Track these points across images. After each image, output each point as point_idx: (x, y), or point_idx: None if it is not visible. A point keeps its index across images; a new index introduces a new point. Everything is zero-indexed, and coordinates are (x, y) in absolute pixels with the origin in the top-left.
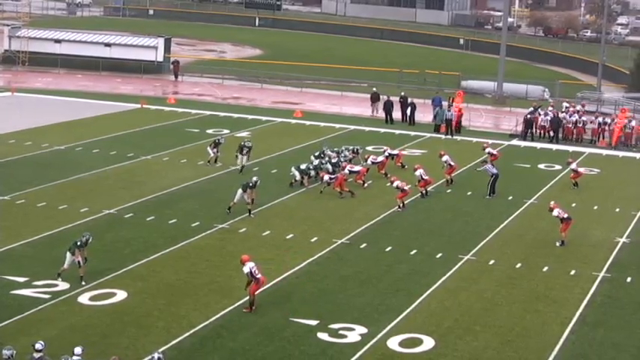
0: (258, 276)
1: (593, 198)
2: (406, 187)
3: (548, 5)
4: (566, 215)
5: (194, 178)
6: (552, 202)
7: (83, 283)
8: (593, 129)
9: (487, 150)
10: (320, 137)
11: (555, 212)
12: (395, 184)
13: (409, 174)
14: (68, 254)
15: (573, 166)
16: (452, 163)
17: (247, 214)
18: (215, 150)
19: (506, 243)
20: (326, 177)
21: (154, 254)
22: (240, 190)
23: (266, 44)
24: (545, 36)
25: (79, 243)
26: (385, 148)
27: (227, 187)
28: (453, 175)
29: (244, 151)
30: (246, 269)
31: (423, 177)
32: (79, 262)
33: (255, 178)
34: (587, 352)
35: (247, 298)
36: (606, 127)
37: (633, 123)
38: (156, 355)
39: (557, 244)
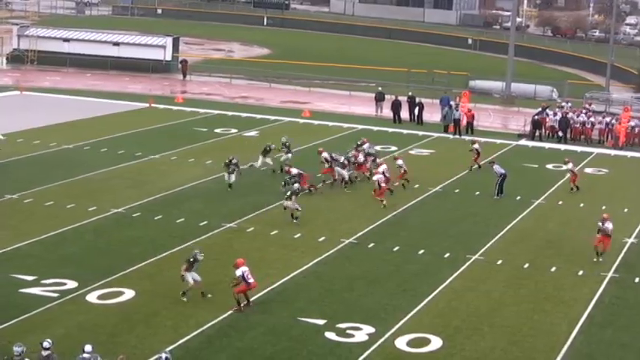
0: (250, 280)
1: (601, 198)
2: (383, 184)
3: (557, 5)
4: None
5: (202, 178)
6: (606, 215)
7: (209, 295)
8: (600, 129)
9: (475, 146)
10: (328, 137)
11: (609, 225)
12: (375, 178)
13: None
14: (186, 273)
15: (570, 166)
16: (405, 169)
17: (294, 220)
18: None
19: (514, 243)
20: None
21: (161, 253)
22: (287, 201)
23: (274, 43)
24: (553, 36)
25: (192, 259)
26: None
27: (234, 186)
28: (404, 179)
29: (231, 169)
30: (238, 272)
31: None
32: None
33: (296, 186)
34: (595, 353)
35: (250, 297)
36: (612, 128)
37: (632, 123)
38: (163, 355)
39: (595, 259)
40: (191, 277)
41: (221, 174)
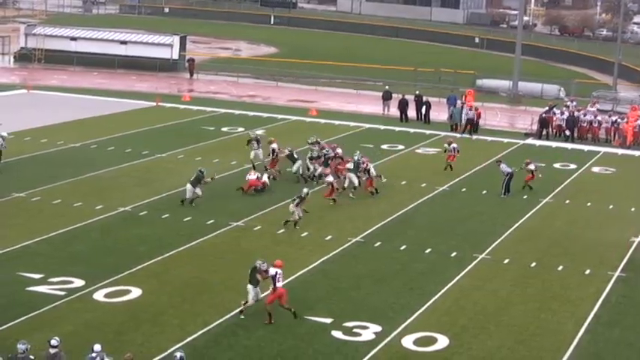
0: (278, 284)
1: (608, 197)
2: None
3: (564, 4)
4: None
5: (208, 176)
6: None
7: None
8: (606, 128)
9: (452, 146)
10: (335, 136)
11: None
12: (327, 179)
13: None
14: (250, 287)
15: (532, 166)
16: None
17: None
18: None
19: (521, 242)
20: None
21: (168, 252)
22: (292, 205)
23: (281, 42)
24: (560, 35)
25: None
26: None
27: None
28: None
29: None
30: (272, 271)
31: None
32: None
33: (305, 191)
34: (602, 352)
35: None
36: (618, 127)
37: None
38: (178, 355)
39: None
40: (254, 292)
41: (227, 172)
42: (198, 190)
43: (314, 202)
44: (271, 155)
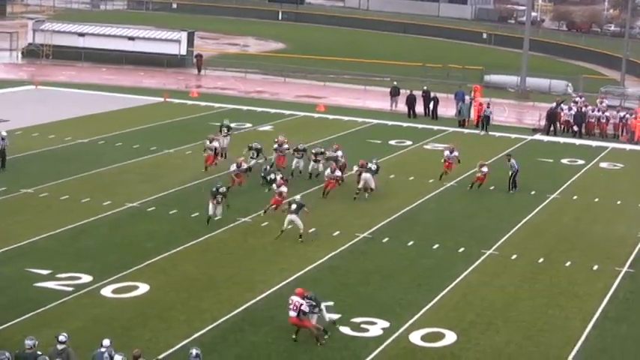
0: (289, 312)
1: (615, 193)
2: (284, 195)
3: (572, 0)
4: None
5: (216, 172)
6: None
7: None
8: (614, 124)
9: (454, 154)
10: (342, 132)
11: None
12: (279, 190)
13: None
14: (325, 312)
15: (485, 169)
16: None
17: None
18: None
19: (528, 238)
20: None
21: (176, 247)
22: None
23: (289, 38)
24: (568, 30)
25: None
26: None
27: (248, 180)
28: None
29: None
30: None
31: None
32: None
33: (298, 198)
34: (610, 348)
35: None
36: (626, 122)
37: None
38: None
39: None
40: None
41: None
42: (219, 211)
43: (320, 199)
44: (209, 152)
